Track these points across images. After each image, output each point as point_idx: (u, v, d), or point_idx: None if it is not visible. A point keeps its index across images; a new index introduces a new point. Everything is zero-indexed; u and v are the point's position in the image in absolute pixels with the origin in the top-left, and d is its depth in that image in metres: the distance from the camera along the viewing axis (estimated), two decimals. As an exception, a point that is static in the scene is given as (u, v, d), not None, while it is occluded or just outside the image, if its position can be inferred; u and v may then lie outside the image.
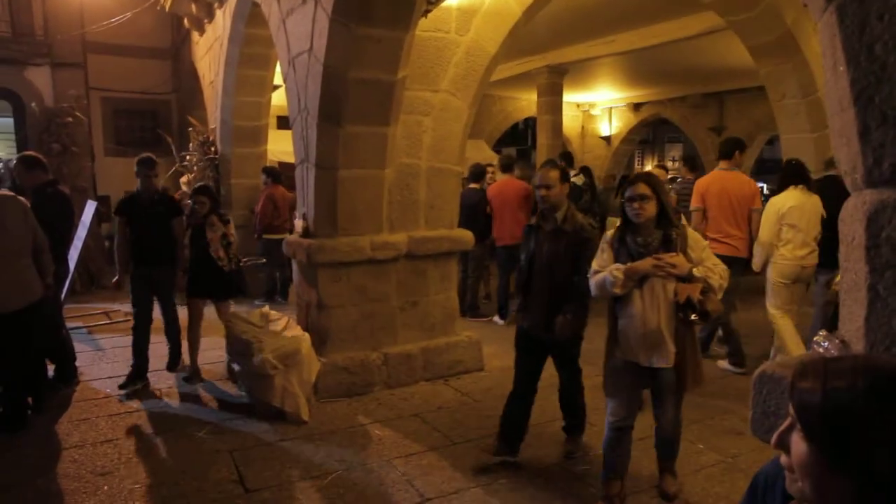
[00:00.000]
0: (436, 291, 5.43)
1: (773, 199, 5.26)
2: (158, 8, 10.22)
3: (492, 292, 8.46)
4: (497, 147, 16.54)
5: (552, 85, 12.03)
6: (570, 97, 15.04)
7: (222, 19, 8.18)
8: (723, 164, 5.75)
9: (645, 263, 2.94)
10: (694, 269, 2.91)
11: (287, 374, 4.48)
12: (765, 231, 5.23)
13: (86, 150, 11.03)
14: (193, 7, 9.04)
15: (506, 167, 7.63)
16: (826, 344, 1.46)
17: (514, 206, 7.25)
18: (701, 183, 5.85)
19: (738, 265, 5.40)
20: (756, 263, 5.41)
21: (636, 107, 16.99)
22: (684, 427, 4.21)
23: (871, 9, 1.29)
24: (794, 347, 5.15)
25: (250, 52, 7.84)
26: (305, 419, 4.45)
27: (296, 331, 4.89)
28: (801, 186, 5.12)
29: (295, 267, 5.52)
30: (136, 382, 5.11)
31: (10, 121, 11.29)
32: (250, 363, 4.50)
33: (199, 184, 5.96)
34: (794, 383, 0.96)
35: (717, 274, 2.97)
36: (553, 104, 12.17)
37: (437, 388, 5.20)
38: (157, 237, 5.17)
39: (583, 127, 17.76)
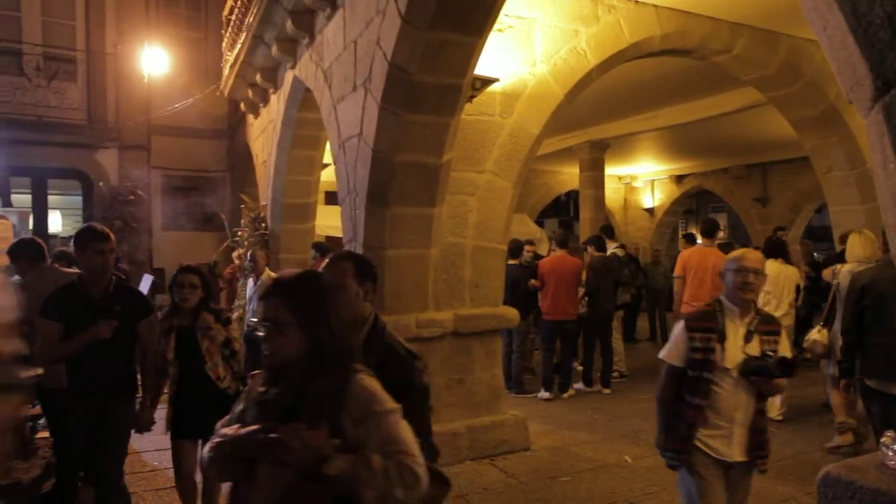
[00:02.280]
0: (481, 369, 5.39)
1: None
2: (218, 94, 10.88)
3: (535, 367, 8.36)
4: (539, 219, 16.66)
5: (594, 160, 12.18)
6: (612, 170, 15.17)
7: (276, 104, 8.62)
8: (704, 240, 6.91)
9: (247, 437, 1.59)
10: (335, 461, 1.52)
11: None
12: None
13: (145, 225, 11.62)
14: (250, 92, 9.57)
15: (562, 243, 7.69)
16: (895, 446, 1.41)
17: (570, 281, 7.33)
18: (684, 255, 6.99)
19: None
20: None
21: (679, 179, 16.98)
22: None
23: (917, 110, 1.31)
24: None
25: (301, 133, 8.21)
26: None
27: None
28: (779, 259, 6.12)
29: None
30: None
31: (80, 199, 12.02)
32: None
33: (184, 264, 3.80)
34: None
35: (383, 474, 1.55)
36: (595, 179, 12.28)
37: (482, 467, 5.09)
38: (112, 351, 3.37)
39: (625, 199, 17.78)
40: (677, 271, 6.91)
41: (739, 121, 9.80)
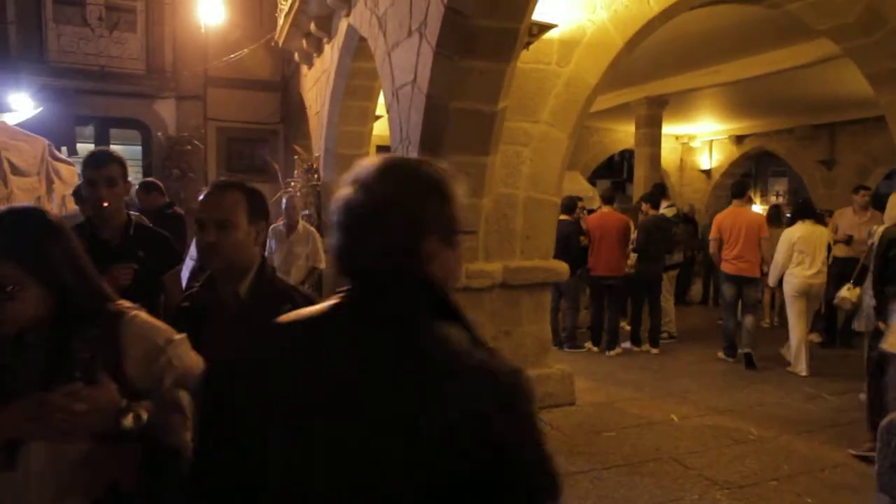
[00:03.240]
0: (529, 322, 5.39)
1: (787, 231, 6.73)
2: (272, 44, 10.92)
3: (581, 325, 8.36)
4: (592, 179, 16.35)
5: (651, 116, 11.80)
6: (669, 129, 14.70)
7: (330, 53, 8.60)
8: (736, 202, 7.20)
9: (11, 414, 1.28)
10: (133, 411, 1.32)
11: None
12: (780, 255, 6.61)
13: (201, 175, 11.92)
14: (304, 42, 9.57)
15: (608, 199, 7.80)
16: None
17: (614, 237, 7.37)
18: (717, 218, 7.32)
19: (751, 283, 6.96)
20: (771, 280, 6.84)
21: (738, 139, 16.36)
22: (791, 480, 3.96)
23: None
24: (801, 350, 6.51)
25: (355, 84, 8.18)
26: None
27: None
28: (809, 220, 6.59)
29: (390, 292, 5.63)
30: None
31: (139, 149, 12.40)
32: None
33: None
34: None
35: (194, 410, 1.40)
36: (652, 136, 11.91)
37: (527, 419, 5.12)
38: None
39: (682, 159, 17.25)
40: (713, 234, 7.19)
41: (809, 76, 9.30)
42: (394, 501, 0.92)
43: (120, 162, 2.78)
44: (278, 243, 6.12)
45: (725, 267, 7.04)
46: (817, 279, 6.53)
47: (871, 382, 4.50)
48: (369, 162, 1.06)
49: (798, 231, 6.57)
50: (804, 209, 6.81)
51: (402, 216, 1.01)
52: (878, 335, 4.47)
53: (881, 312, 4.53)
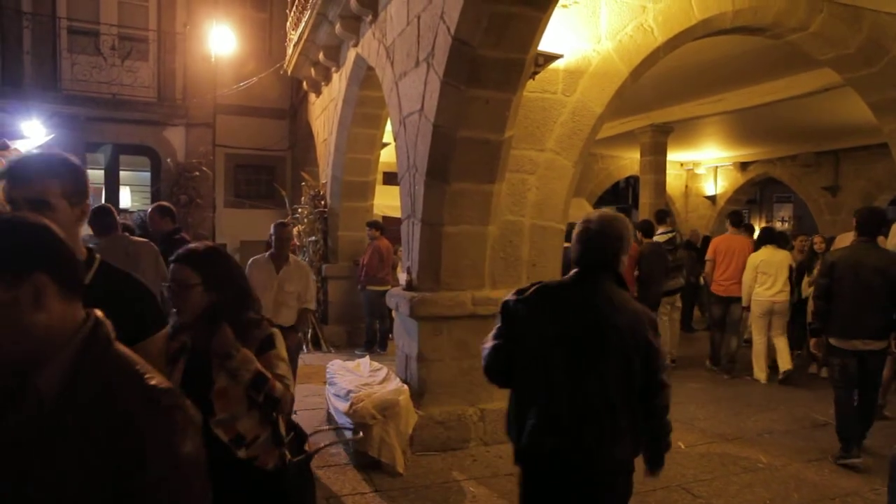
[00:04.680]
0: (535, 348, 5.37)
1: (752, 255, 7.44)
2: (281, 73, 11.09)
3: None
4: (597, 206, 16.38)
5: (656, 144, 11.88)
6: (674, 156, 14.77)
7: (338, 82, 8.73)
8: (732, 229, 8.03)
9: None
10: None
11: (385, 425, 4.52)
12: (746, 276, 7.37)
13: (209, 201, 12.03)
14: (312, 71, 9.71)
15: None
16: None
17: (628, 265, 7.33)
18: (714, 241, 8.16)
19: (737, 302, 7.61)
20: (744, 300, 7.47)
21: (743, 166, 16.41)
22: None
23: None
24: (759, 358, 7.43)
25: (362, 112, 8.28)
26: (401, 471, 4.47)
27: (395, 382, 4.96)
28: (772, 245, 7.33)
29: (396, 319, 5.64)
30: None
31: (148, 174, 12.53)
32: (349, 412, 4.60)
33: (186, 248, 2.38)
34: None
35: None
36: (656, 163, 11.99)
37: (533, 448, 5.08)
38: None
39: (687, 186, 17.30)
40: (708, 255, 7.96)
41: (812, 104, 9.37)
42: (605, 365, 2.15)
43: (62, 172, 1.74)
44: (265, 279, 4.95)
45: (715, 289, 7.74)
46: (779, 297, 7.23)
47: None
48: (593, 213, 2.28)
49: (761, 255, 7.30)
50: (767, 236, 7.60)
51: (608, 241, 2.23)
52: (829, 350, 4.99)
53: (821, 329, 4.99)
